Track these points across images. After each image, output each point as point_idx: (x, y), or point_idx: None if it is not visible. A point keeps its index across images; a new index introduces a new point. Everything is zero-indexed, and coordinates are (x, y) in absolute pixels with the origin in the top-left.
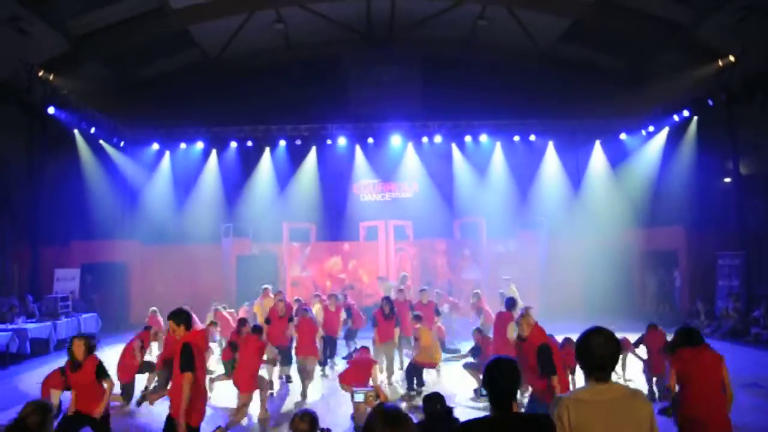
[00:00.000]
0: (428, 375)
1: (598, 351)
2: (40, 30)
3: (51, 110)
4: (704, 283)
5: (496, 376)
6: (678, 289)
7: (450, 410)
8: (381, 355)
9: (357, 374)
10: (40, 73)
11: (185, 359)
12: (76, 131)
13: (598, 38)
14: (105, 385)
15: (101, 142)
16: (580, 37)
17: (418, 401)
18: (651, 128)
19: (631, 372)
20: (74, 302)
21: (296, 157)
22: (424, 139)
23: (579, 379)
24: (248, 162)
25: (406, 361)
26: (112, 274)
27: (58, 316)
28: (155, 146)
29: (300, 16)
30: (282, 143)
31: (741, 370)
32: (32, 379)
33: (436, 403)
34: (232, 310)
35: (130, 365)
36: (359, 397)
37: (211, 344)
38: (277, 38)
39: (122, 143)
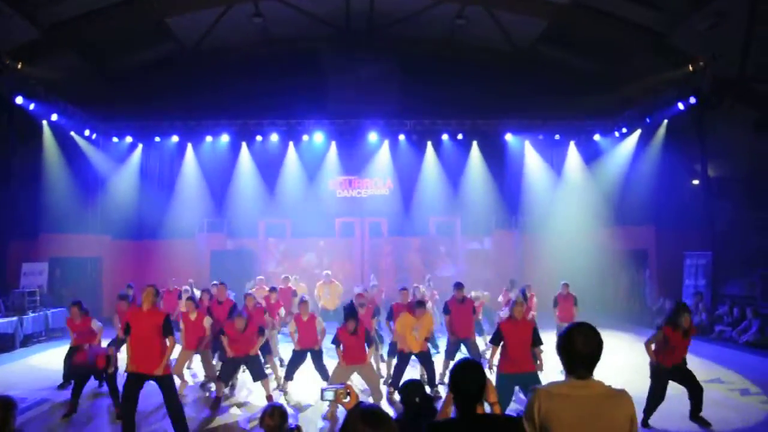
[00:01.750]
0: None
1: (580, 347)
2: (7, 16)
3: (19, 100)
4: (672, 282)
5: (461, 379)
6: (648, 287)
7: (430, 400)
8: (345, 375)
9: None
10: (7, 61)
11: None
12: (44, 122)
13: (574, 40)
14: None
15: (72, 133)
16: (557, 39)
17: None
18: (624, 130)
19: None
20: (42, 297)
21: (273, 153)
22: (401, 137)
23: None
24: (224, 157)
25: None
26: (82, 269)
27: (25, 312)
28: (128, 139)
29: (278, 10)
30: (258, 138)
31: (705, 365)
32: None
33: (414, 392)
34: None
35: None
36: (329, 395)
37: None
38: (255, 32)
39: (94, 136)
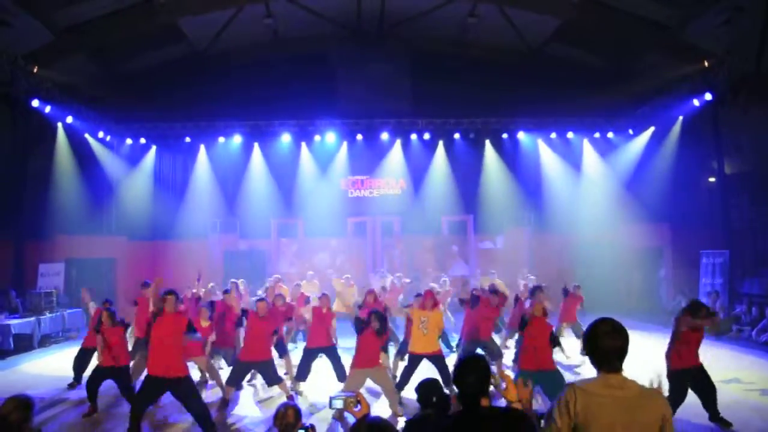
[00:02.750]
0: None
1: (605, 341)
2: (22, 21)
3: (35, 103)
4: (688, 281)
5: (462, 375)
6: (663, 285)
7: (447, 399)
8: (361, 379)
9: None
10: (24, 65)
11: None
12: (59, 124)
13: (587, 38)
14: None
15: (86, 135)
16: (570, 37)
17: None
18: (638, 127)
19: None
20: (59, 297)
21: (284, 153)
22: (413, 136)
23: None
24: (236, 157)
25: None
26: (97, 270)
27: (43, 312)
28: (142, 141)
29: (289, 11)
30: (270, 139)
31: (722, 365)
32: (15, 375)
33: (431, 391)
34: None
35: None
36: (338, 404)
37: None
38: (266, 33)
39: (108, 137)
